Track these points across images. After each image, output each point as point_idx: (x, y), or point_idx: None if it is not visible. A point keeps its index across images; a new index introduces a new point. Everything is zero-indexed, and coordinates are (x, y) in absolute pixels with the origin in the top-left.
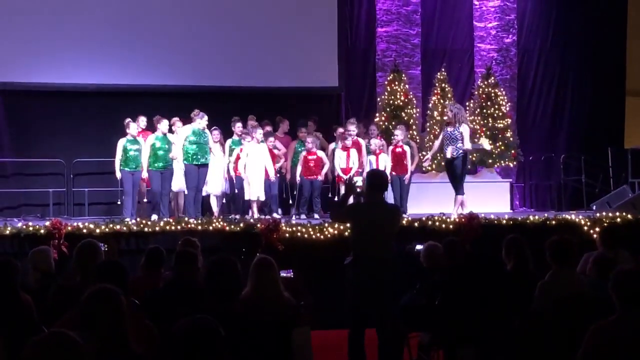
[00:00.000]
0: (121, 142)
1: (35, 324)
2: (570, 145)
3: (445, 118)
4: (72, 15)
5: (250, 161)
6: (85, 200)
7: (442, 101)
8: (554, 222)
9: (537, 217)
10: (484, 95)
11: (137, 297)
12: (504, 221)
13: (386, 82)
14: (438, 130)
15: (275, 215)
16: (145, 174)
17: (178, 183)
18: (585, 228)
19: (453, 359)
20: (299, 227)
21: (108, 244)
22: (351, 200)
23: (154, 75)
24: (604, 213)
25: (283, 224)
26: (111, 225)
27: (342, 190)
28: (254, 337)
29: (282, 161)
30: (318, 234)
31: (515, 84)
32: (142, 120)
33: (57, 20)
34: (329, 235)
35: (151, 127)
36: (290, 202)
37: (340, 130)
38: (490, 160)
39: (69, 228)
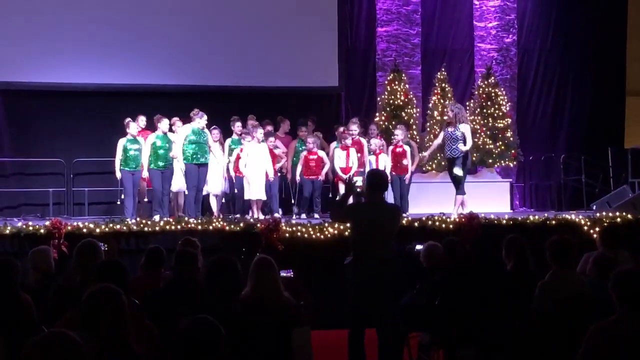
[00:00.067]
0: (121, 142)
1: (35, 324)
2: (570, 145)
3: (445, 118)
4: (72, 15)
5: (250, 161)
6: (85, 200)
7: (442, 101)
8: (554, 222)
9: (537, 217)
10: (484, 95)
11: (137, 297)
12: (504, 221)
13: (386, 82)
14: (438, 130)
15: (275, 215)
16: (145, 174)
17: (178, 183)
18: (586, 228)
19: (453, 359)
20: (299, 227)
21: (108, 244)
22: (351, 200)
23: (154, 75)
24: (604, 213)
25: (283, 224)
26: (111, 225)
27: (341, 189)
28: (254, 337)
29: (283, 161)
30: (318, 234)
31: (516, 83)
32: (142, 120)
33: (57, 20)
34: (329, 235)
35: (151, 127)
36: (293, 201)
37: (342, 129)
38: (490, 160)
39: (69, 228)
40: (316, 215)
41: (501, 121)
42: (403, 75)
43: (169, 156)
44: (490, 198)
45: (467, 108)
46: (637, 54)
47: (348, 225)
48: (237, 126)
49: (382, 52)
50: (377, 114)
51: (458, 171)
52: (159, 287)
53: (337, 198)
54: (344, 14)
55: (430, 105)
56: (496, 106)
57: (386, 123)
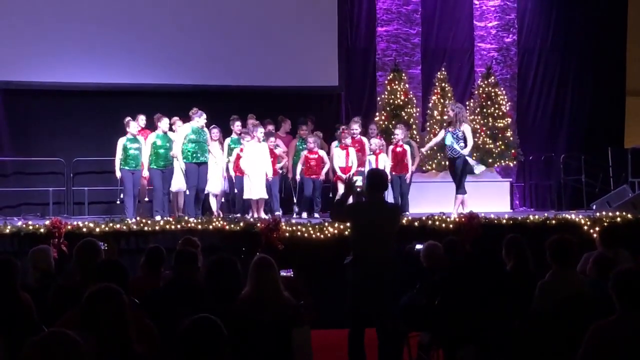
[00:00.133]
0: (121, 141)
1: (35, 324)
2: (570, 145)
3: (445, 118)
4: (72, 15)
5: (251, 160)
6: (85, 199)
7: (442, 101)
8: (554, 221)
9: (537, 216)
10: (484, 95)
11: (137, 297)
12: (504, 221)
13: (386, 82)
14: (438, 130)
15: (276, 214)
16: (146, 173)
17: (178, 183)
18: (585, 228)
19: (453, 359)
20: (299, 227)
21: (108, 243)
22: (351, 199)
23: (154, 75)
24: (604, 213)
25: (283, 224)
26: (111, 225)
27: (340, 189)
28: (254, 336)
29: (284, 161)
30: (318, 234)
31: (516, 83)
32: (142, 119)
33: (57, 19)
34: (329, 235)
35: (151, 126)
36: (295, 200)
37: (343, 128)
38: (490, 160)
39: (69, 227)
40: (316, 215)
41: (501, 121)
42: (403, 74)
43: (170, 155)
44: (490, 198)
45: (467, 108)
46: (637, 54)
47: (348, 224)
48: (237, 125)
49: (382, 51)
50: (377, 114)
51: (477, 169)
52: (159, 286)
53: (337, 198)
54: (344, 14)
55: (430, 105)
56: (496, 106)
57: (386, 123)
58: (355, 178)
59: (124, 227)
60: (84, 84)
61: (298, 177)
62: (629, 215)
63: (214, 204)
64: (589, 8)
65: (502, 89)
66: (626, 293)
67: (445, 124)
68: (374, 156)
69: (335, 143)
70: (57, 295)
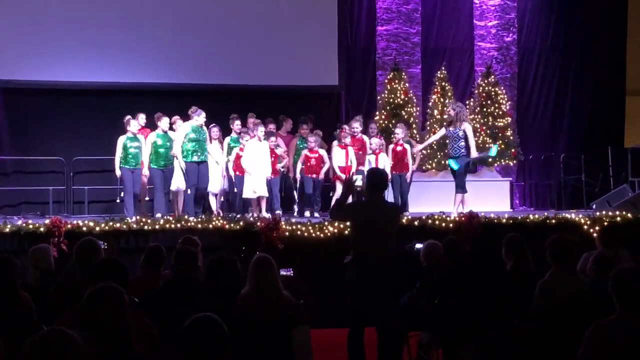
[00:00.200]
0: (121, 140)
1: (35, 323)
2: (570, 144)
3: (445, 117)
4: (72, 14)
5: (251, 159)
6: (85, 199)
7: (442, 100)
8: (553, 221)
9: (537, 216)
10: (484, 94)
11: (137, 296)
12: (504, 220)
13: (386, 81)
14: (438, 129)
15: (276, 212)
16: (145, 171)
17: (177, 182)
18: (585, 227)
19: (452, 359)
20: (299, 226)
21: (108, 242)
22: (350, 199)
23: (154, 74)
24: (603, 212)
25: (283, 223)
26: (111, 224)
27: (339, 188)
28: (254, 336)
29: (285, 161)
30: (318, 233)
31: (516, 82)
32: (142, 118)
33: (56, 18)
34: (328, 234)
35: (151, 125)
36: (297, 200)
37: (345, 127)
38: (490, 159)
39: (69, 226)
40: (316, 214)
41: (501, 120)
42: (403, 74)
43: (170, 155)
44: (490, 197)
45: (467, 107)
46: (637, 54)
47: (348, 224)
48: (237, 124)
49: (382, 50)
50: (377, 113)
51: (492, 151)
52: (158, 285)
53: (336, 197)
54: (344, 13)
55: (430, 104)
56: (496, 105)
57: (386, 122)
58: (355, 177)
59: (124, 226)
60: (83, 83)
61: (298, 176)
62: (629, 215)
63: (213, 203)
64: (589, 8)
65: (502, 88)
66: (626, 293)
67: (445, 123)
68: (374, 155)
69: (336, 142)
70: (57, 294)
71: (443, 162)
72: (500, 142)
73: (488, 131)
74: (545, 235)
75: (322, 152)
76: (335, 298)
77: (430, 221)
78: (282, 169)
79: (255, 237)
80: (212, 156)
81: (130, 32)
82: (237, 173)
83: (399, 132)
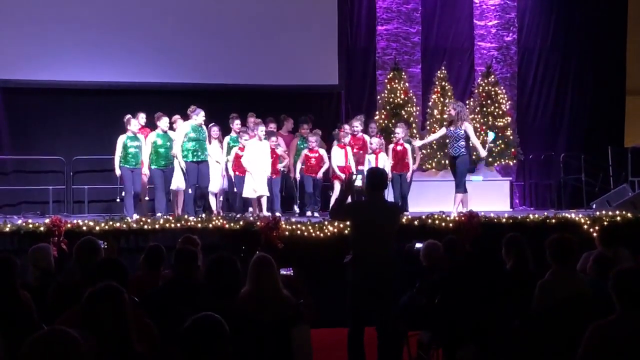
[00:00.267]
0: (121, 139)
1: (35, 322)
2: (570, 144)
3: (445, 116)
4: (71, 13)
5: (252, 158)
6: (85, 198)
7: (442, 99)
8: (553, 220)
9: (537, 215)
10: (484, 94)
11: (136, 295)
12: (504, 220)
13: (386, 80)
14: (438, 129)
15: (276, 214)
16: (145, 170)
17: (177, 181)
18: (585, 227)
19: (452, 358)
20: (299, 225)
21: (108, 242)
22: (350, 198)
23: (154, 73)
24: (603, 212)
25: (283, 222)
26: (111, 223)
27: (337, 188)
28: (254, 335)
29: (285, 161)
30: (318, 232)
31: (516, 82)
32: (142, 117)
33: (56, 18)
34: (328, 234)
35: (151, 124)
36: (298, 201)
37: (346, 126)
38: (490, 159)
39: (69, 225)
40: (316, 214)
41: (501, 120)
42: (403, 73)
43: (170, 155)
44: (490, 197)
45: (467, 107)
46: (637, 53)
47: (348, 224)
48: (236, 124)
49: (382, 50)
50: (377, 113)
51: (489, 136)
52: (158, 285)
53: (335, 196)
54: (344, 12)
55: (430, 103)
56: (496, 105)
57: (386, 121)
58: (354, 177)
59: (124, 226)
60: (83, 82)
61: (298, 175)
62: (629, 215)
63: (213, 202)
64: (589, 7)
65: (502, 87)
66: (626, 292)
67: (446, 123)
68: (374, 155)
69: (335, 142)
70: (57, 294)
71: (443, 161)
72: (496, 130)
73: (488, 131)
74: (545, 235)
75: (322, 152)
76: (335, 298)
77: (430, 221)
78: (283, 169)
79: (255, 237)
80: (212, 156)
81: (130, 32)
82: (237, 173)
83: (400, 131)
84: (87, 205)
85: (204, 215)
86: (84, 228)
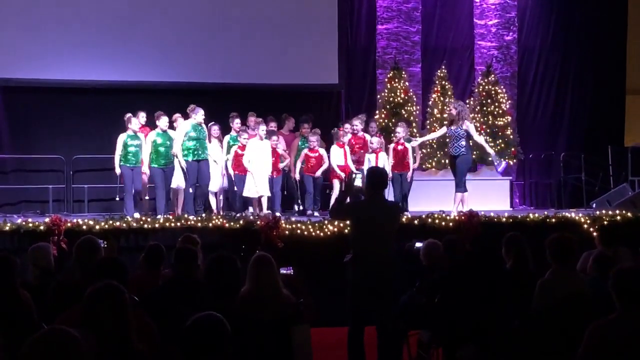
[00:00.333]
0: (121, 137)
1: (34, 321)
2: (570, 143)
3: (445, 115)
4: (71, 12)
5: (253, 157)
6: (85, 197)
7: (442, 99)
8: (553, 220)
9: (537, 215)
10: (484, 93)
11: (136, 294)
12: (504, 219)
13: (386, 80)
14: (438, 128)
15: (276, 214)
16: (145, 169)
17: (177, 180)
18: (585, 226)
19: (452, 358)
20: (299, 225)
21: (107, 241)
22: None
23: (155, 72)
24: (603, 211)
25: (283, 221)
26: (111, 222)
27: (336, 187)
28: (254, 334)
29: (286, 161)
30: (318, 232)
31: (516, 81)
32: (142, 116)
33: (56, 16)
34: (328, 233)
35: (151, 124)
36: (299, 200)
37: (347, 125)
38: (490, 158)
39: (69, 225)
40: (316, 213)
41: (501, 119)
42: (403, 72)
43: (170, 154)
44: (490, 196)
45: (467, 106)
46: (637, 53)
47: (348, 223)
48: (236, 123)
49: (382, 49)
50: (377, 112)
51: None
52: (158, 284)
53: (334, 196)
54: (344, 12)
55: (430, 102)
56: (496, 104)
57: (386, 121)
58: (354, 176)
59: (124, 225)
60: (83, 81)
61: (297, 175)
62: (629, 214)
63: (213, 202)
64: (589, 7)
65: (502, 87)
66: (626, 292)
67: (446, 122)
68: (374, 155)
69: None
70: (56, 293)
71: (443, 161)
72: (508, 159)
73: (488, 130)
74: (545, 234)
75: (322, 151)
76: (335, 297)
77: (430, 220)
78: (285, 169)
79: (255, 236)
80: (211, 155)
81: (130, 31)
82: (236, 172)
83: (400, 130)
84: (87, 204)
85: (204, 215)
86: (84, 227)
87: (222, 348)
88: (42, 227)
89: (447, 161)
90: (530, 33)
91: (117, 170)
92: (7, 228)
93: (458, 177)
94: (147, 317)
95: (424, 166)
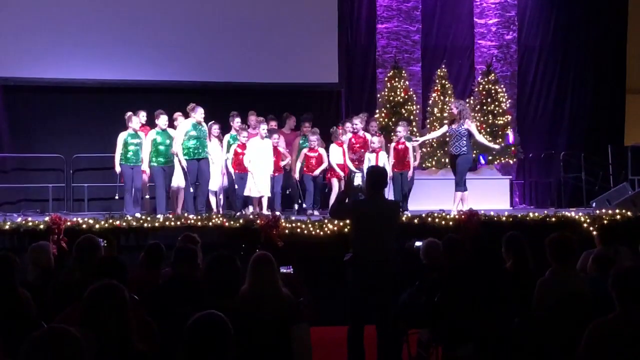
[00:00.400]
0: (122, 136)
1: (34, 321)
2: (570, 143)
3: (445, 114)
4: (72, 11)
5: (254, 157)
6: (85, 196)
7: (442, 98)
8: (553, 219)
9: (536, 214)
10: (484, 92)
11: (136, 293)
12: (504, 218)
13: (386, 79)
14: (438, 127)
15: (276, 213)
16: (145, 167)
17: (177, 179)
18: (585, 225)
19: (452, 357)
20: (299, 224)
21: (107, 240)
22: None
23: (155, 71)
24: (603, 210)
25: (283, 220)
26: (111, 221)
27: (334, 186)
28: (253, 333)
29: (287, 159)
30: (318, 231)
31: (516, 81)
32: (143, 116)
33: (57, 15)
34: (328, 232)
35: (151, 123)
36: (300, 200)
37: (348, 124)
38: (490, 157)
39: (69, 223)
40: (316, 212)
41: (501, 118)
42: (403, 72)
43: (170, 153)
44: (490, 195)
45: (468, 105)
46: (638, 52)
47: (348, 222)
48: (237, 122)
49: (382, 48)
50: (377, 111)
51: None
52: (158, 283)
53: (333, 195)
54: (344, 11)
55: (430, 102)
56: (496, 103)
57: (386, 120)
58: (354, 175)
59: (124, 224)
60: (84, 80)
61: (297, 175)
62: (629, 213)
63: (213, 201)
64: (589, 6)
65: (502, 86)
66: (626, 291)
67: (447, 121)
68: (374, 154)
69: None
70: (56, 292)
71: (443, 160)
72: (496, 128)
73: (488, 129)
74: (545, 233)
75: (322, 151)
76: (335, 296)
77: (430, 219)
78: (286, 167)
79: (254, 235)
80: (210, 154)
81: (130, 30)
82: (236, 171)
83: (401, 130)
84: (87, 203)
85: (204, 214)
86: (84, 226)
87: (224, 347)
88: (42, 226)
89: (447, 160)
90: (531, 32)
91: (117, 169)
92: (7, 227)
93: (458, 176)
94: (147, 316)
95: (424, 165)
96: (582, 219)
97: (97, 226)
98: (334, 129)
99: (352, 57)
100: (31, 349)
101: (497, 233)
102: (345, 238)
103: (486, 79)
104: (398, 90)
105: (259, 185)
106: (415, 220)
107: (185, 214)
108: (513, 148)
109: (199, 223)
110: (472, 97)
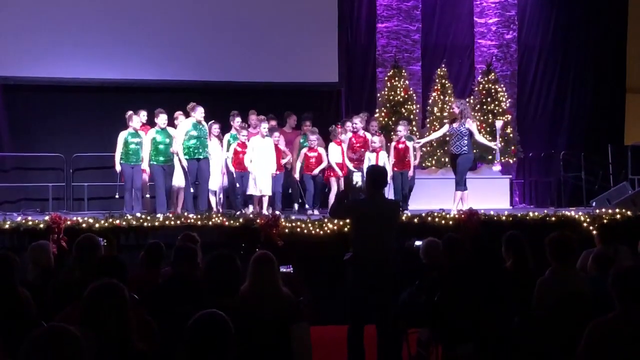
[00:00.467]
0: (122, 135)
1: (34, 320)
2: (570, 142)
3: (445, 114)
4: (72, 10)
5: (255, 156)
6: (85, 195)
7: (442, 97)
8: (553, 218)
9: (536, 213)
10: (484, 92)
11: (136, 293)
12: (504, 217)
13: (386, 78)
14: (438, 127)
15: (276, 211)
16: (144, 166)
17: (177, 179)
18: (585, 225)
19: (452, 356)
20: (299, 223)
21: (107, 239)
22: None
23: (155, 71)
24: (603, 210)
25: (283, 220)
26: (110, 220)
27: (333, 185)
28: (253, 332)
29: (288, 157)
30: (318, 230)
31: (516, 80)
32: (143, 115)
33: (57, 14)
34: (328, 231)
35: (152, 122)
36: (300, 200)
37: (348, 123)
38: (490, 157)
39: (69, 223)
40: (316, 212)
41: (501, 118)
42: (403, 71)
43: (170, 152)
44: (490, 194)
45: (468, 104)
46: (638, 51)
47: (348, 221)
48: (237, 121)
49: (382, 48)
50: (377, 110)
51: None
52: (158, 282)
53: (333, 194)
54: (344, 10)
55: (430, 101)
56: (496, 103)
57: (386, 119)
58: (353, 174)
59: (124, 223)
60: (84, 79)
61: (297, 175)
62: (629, 213)
63: (213, 200)
64: (590, 5)
65: (502, 85)
66: (626, 290)
67: (448, 121)
68: (374, 153)
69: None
70: (56, 291)
71: (443, 159)
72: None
73: (488, 129)
74: (545, 232)
75: (322, 150)
76: (335, 295)
77: (430, 218)
78: (287, 166)
79: (254, 234)
80: (210, 154)
81: (131, 29)
82: (236, 170)
83: (401, 129)
84: (86, 203)
85: (203, 213)
86: (84, 225)
87: (225, 346)
88: (42, 225)
89: (447, 159)
90: (531, 32)
91: (118, 168)
92: (6, 226)
93: (458, 176)
94: (146, 315)
95: (424, 164)
96: (582, 218)
97: (97, 225)
98: (333, 127)
99: (352, 56)
100: (31, 348)
101: (497, 232)
102: (345, 237)
103: (486, 79)
104: (398, 89)
105: (260, 184)
106: (415, 220)
107: (185, 213)
108: (513, 147)
109: (199, 222)
110: (472, 97)
